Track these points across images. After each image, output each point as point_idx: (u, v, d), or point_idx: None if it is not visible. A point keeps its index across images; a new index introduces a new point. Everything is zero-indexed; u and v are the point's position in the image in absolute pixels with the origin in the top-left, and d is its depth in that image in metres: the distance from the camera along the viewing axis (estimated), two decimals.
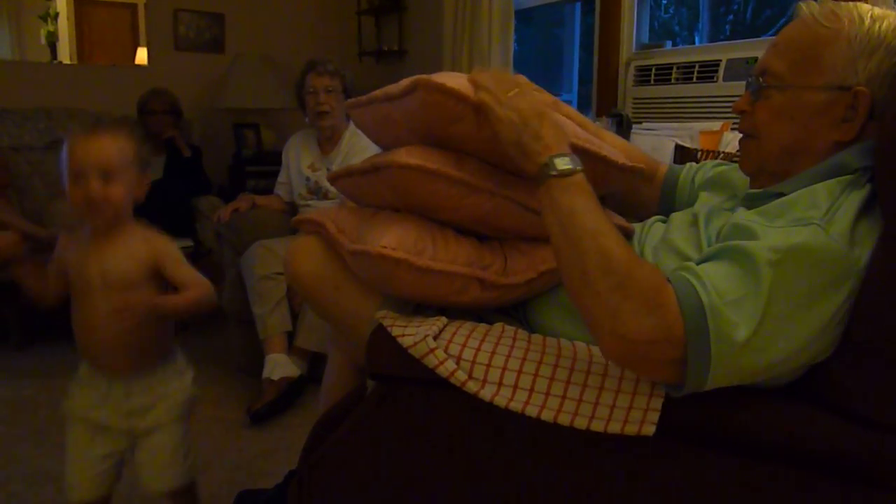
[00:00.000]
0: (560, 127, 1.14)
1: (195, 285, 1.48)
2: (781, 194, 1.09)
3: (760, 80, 1.17)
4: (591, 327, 0.98)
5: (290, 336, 2.66)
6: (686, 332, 0.91)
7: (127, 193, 1.45)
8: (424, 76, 1.15)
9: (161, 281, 1.50)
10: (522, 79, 1.29)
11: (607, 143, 1.36)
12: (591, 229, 0.99)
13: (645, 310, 0.92)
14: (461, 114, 1.15)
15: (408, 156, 1.16)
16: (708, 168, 1.51)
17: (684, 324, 0.91)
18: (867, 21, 1.08)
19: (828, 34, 1.09)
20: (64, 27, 4.05)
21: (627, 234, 1.36)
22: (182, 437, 1.58)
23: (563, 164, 1.05)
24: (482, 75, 1.18)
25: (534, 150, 1.08)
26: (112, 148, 1.42)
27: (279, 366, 2.57)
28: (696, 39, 4.25)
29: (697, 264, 0.99)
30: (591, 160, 1.25)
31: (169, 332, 1.58)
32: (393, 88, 1.23)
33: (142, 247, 1.48)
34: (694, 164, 1.57)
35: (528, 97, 1.14)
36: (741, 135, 1.24)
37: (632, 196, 1.55)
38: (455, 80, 1.16)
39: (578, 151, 1.22)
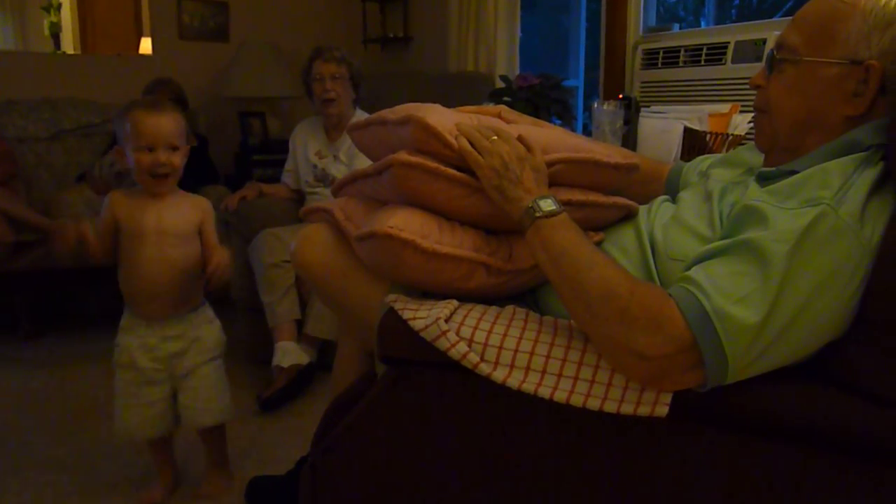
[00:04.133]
0: (540, 170, 1.19)
1: (220, 248, 1.83)
2: (794, 172, 1.08)
3: (776, 54, 1.17)
4: (608, 355, 1.03)
5: (300, 324, 2.67)
6: (696, 339, 0.94)
7: (183, 161, 1.76)
8: (419, 113, 1.19)
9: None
10: (502, 123, 1.33)
11: (599, 149, 1.39)
12: (587, 261, 1.04)
13: (653, 326, 0.96)
14: (445, 156, 1.20)
15: (408, 155, 1.19)
16: (714, 157, 1.52)
17: (692, 332, 0.94)
18: None
19: (844, 9, 1.09)
20: (67, 17, 4.04)
21: (631, 213, 1.38)
22: (219, 378, 1.87)
23: (547, 205, 1.11)
24: (465, 122, 1.23)
25: (516, 195, 1.14)
26: (174, 124, 1.73)
27: (289, 353, 2.57)
28: (703, 24, 4.22)
29: (705, 259, 1.02)
30: (584, 166, 1.32)
31: (199, 285, 1.84)
32: (388, 114, 1.29)
33: (190, 206, 1.81)
34: (701, 157, 1.59)
35: (508, 143, 1.19)
36: (755, 111, 1.23)
37: (639, 190, 1.55)
38: (445, 122, 1.20)
39: (570, 163, 1.29)
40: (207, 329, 1.86)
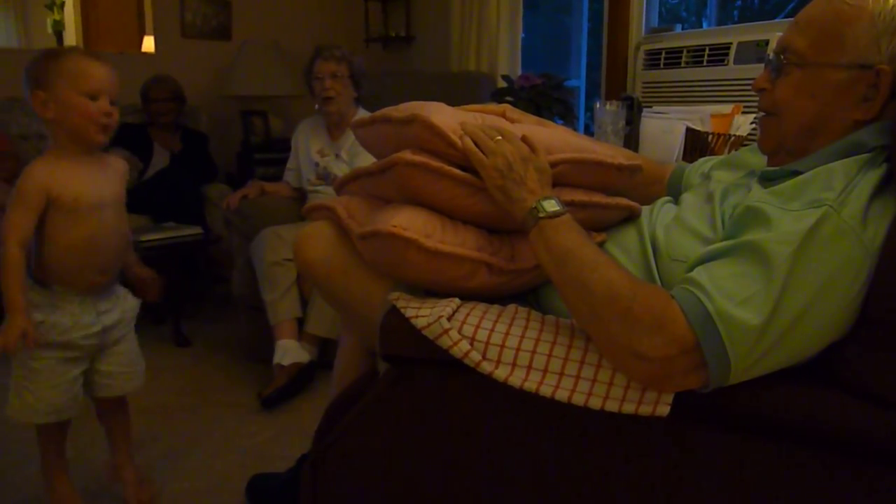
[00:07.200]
0: (544, 171, 1.19)
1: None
2: (797, 172, 1.08)
3: (781, 57, 1.16)
4: (610, 356, 1.03)
5: (301, 322, 2.67)
6: (699, 341, 0.94)
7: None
8: (424, 112, 1.19)
9: None
10: (506, 122, 1.33)
11: (603, 150, 1.39)
12: (590, 263, 1.04)
13: (656, 328, 0.95)
14: (449, 156, 1.20)
15: (412, 154, 1.19)
16: (716, 159, 1.52)
17: (695, 334, 0.94)
18: None
19: (851, 11, 1.08)
20: (70, 15, 4.03)
21: (634, 214, 1.37)
22: (136, 343, 1.83)
23: (551, 206, 1.11)
24: (470, 121, 1.23)
25: (519, 196, 1.14)
26: (116, 77, 1.63)
27: (289, 351, 2.57)
28: (704, 25, 4.23)
29: (708, 260, 1.02)
30: (588, 167, 1.31)
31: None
32: (393, 112, 1.28)
33: (115, 170, 1.72)
34: (703, 158, 1.58)
35: (512, 143, 1.19)
36: (761, 113, 1.23)
37: (642, 192, 1.55)
38: (450, 121, 1.20)
39: (574, 163, 1.28)
40: (127, 294, 1.79)
